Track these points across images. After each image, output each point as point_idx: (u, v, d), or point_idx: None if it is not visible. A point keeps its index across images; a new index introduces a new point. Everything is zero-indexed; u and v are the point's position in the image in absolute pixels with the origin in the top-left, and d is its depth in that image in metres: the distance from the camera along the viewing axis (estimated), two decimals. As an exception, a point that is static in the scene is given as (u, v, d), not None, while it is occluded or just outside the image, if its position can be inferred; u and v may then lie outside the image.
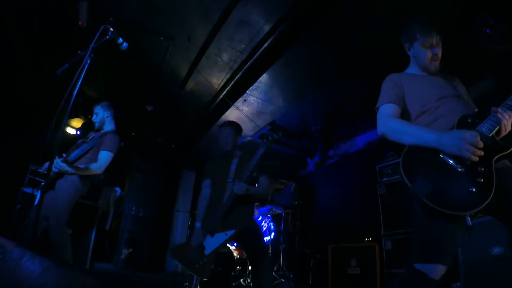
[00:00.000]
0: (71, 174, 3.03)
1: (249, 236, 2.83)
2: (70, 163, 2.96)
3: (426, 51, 1.83)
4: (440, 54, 1.83)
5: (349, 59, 4.51)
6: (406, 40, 1.93)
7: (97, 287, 1.31)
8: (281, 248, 5.98)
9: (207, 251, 2.69)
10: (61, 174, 3.05)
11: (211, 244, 2.71)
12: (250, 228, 2.84)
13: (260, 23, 4.10)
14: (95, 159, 3.18)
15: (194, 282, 2.99)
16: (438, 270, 1.40)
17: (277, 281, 5.44)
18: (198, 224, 2.92)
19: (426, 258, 1.43)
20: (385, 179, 4.79)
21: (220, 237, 2.69)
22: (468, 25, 3.50)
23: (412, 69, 1.96)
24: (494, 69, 3.96)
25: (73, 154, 3.17)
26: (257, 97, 5.50)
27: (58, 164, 2.97)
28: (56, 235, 2.90)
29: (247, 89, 5.27)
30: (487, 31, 3.42)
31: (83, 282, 1.32)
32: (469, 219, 1.37)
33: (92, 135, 3.40)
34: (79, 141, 3.40)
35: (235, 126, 3.25)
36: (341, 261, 4.78)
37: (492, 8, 3.39)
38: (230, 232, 2.66)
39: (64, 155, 2.99)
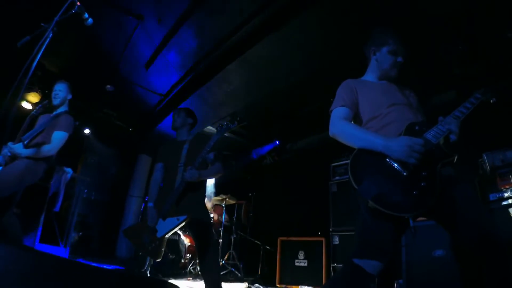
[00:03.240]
0: (23, 157, 2.92)
1: (198, 226, 2.86)
2: (25, 146, 2.88)
3: (391, 58, 1.91)
4: (401, 64, 1.94)
5: (312, 64, 4.67)
6: (374, 44, 1.99)
7: (42, 266, 1.30)
8: (232, 238, 6.06)
9: (159, 234, 2.73)
10: (14, 156, 2.93)
11: (163, 228, 2.75)
12: (200, 218, 2.87)
13: (232, 15, 4.11)
14: (47, 141, 3.05)
15: (147, 263, 3.00)
16: (375, 266, 1.49)
17: (226, 270, 5.53)
18: (150, 204, 2.95)
19: (365, 254, 1.52)
20: (337, 177, 5.01)
21: (172, 221, 2.73)
22: (438, 42, 3.74)
23: (369, 76, 2.03)
24: (454, 84, 4.28)
25: (27, 135, 3.02)
26: (220, 87, 5.49)
27: (10, 147, 2.90)
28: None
29: (212, 78, 5.26)
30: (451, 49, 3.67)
31: (26, 260, 1.30)
32: (411, 220, 1.48)
33: (44, 117, 3.26)
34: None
35: (189, 111, 3.27)
36: (289, 253, 4.96)
37: (459, 30, 3.64)
38: (182, 218, 2.70)
39: (23, 138, 2.89)
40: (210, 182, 7.51)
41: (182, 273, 5.16)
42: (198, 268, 5.11)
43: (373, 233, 1.55)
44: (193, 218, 2.76)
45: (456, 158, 1.54)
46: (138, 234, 2.85)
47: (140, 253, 2.90)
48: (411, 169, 1.49)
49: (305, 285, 4.58)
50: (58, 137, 3.05)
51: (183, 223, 2.72)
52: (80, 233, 5.99)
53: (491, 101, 1.78)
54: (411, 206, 1.44)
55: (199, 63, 5.13)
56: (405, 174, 1.49)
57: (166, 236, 2.74)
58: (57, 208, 4.16)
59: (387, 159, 1.54)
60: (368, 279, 1.50)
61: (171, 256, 5.24)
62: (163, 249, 2.73)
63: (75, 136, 3.33)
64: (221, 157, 3.15)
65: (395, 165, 1.52)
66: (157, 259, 2.74)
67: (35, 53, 2.09)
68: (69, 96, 3.37)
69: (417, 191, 1.44)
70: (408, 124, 1.67)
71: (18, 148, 2.90)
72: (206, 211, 3.02)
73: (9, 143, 2.93)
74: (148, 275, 2.96)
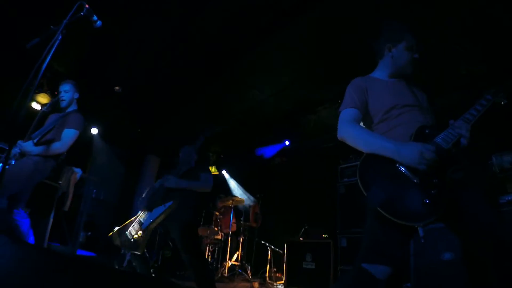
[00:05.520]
0: (34, 155, 2.96)
1: (184, 229, 2.88)
2: (34, 144, 2.93)
3: (409, 54, 1.86)
4: (417, 60, 1.88)
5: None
6: (390, 40, 1.92)
7: (49, 263, 1.32)
8: (240, 240, 6.07)
9: (143, 226, 2.76)
10: (24, 154, 2.97)
11: (148, 218, 2.78)
12: (187, 219, 2.90)
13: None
14: (57, 139, 3.09)
15: (127, 258, 3.01)
16: (385, 272, 1.45)
17: (234, 272, 5.54)
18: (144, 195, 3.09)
19: (374, 259, 1.48)
20: (345, 179, 4.97)
21: (158, 209, 2.77)
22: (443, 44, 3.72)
23: (379, 73, 1.97)
24: (461, 84, 4.24)
25: (36, 133, 3.07)
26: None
27: (20, 145, 2.94)
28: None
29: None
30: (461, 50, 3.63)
31: (36, 258, 1.32)
32: (421, 229, 1.42)
33: (54, 116, 3.30)
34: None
35: (194, 146, 3.32)
36: (297, 256, 4.93)
37: (466, 30, 3.61)
38: (168, 203, 2.73)
39: (33, 136, 2.95)
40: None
41: (189, 274, 5.16)
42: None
43: (381, 239, 1.50)
44: (177, 214, 2.79)
45: (466, 163, 1.50)
46: (124, 230, 2.91)
47: (122, 251, 2.96)
48: (422, 176, 1.44)
49: (312, 287, 4.55)
50: (69, 135, 3.09)
51: (170, 210, 2.74)
52: (89, 233, 6.02)
53: (502, 102, 1.74)
54: (422, 215, 1.38)
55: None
56: (415, 181, 1.44)
57: (152, 226, 2.75)
58: (66, 208, 4.21)
59: (397, 165, 1.50)
60: (376, 284, 1.45)
61: (176, 257, 5.25)
62: (145, 242, 2.74)
63: (84, 136, 3.38)
64: (204, 169, 3.16)
65: (406, 171, 1.47)
66: (139, 251, 2.73)
67: (45, 55, 2.12)
68: (76, 95, 3.39)
69: (428, 199, 1.39)
70: (418, 127, 1.63)
71: (28, 146, 2.95)
72: (193, 210, 3.04)
73: (19, 141, 2.97)
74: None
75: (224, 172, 8.35)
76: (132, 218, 2.95)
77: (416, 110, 1.76)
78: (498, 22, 3.44)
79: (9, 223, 2.91)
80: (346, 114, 1.77)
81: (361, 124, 1.83)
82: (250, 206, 6.88)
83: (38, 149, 2.96)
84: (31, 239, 3.04)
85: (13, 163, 2.90)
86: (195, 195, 3.08)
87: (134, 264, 2.99)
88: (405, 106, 1.74)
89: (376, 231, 1.53)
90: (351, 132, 1.70)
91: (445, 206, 1.37)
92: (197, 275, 2.78)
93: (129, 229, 2.86)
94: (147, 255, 3.11)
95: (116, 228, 3.05)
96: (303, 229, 5.50)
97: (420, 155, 1.44)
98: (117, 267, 3.01)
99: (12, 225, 2.92)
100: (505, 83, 1.73)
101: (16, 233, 2.91)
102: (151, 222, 2.73)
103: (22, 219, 2.99)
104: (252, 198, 7.17)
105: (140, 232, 2.74)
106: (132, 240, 2.75)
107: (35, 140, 2.99)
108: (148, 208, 2.83)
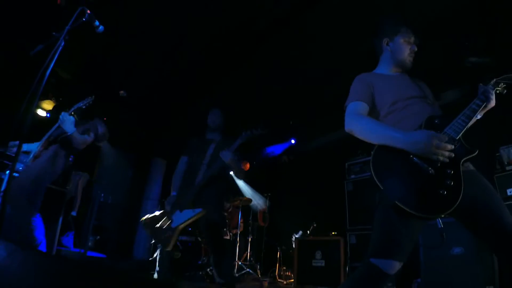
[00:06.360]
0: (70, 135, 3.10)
1: (210, 226, 2.91)
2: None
3: (406, 46, 1.86)
4: (415, 52, 1.89)
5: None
6: (387, 34, 1.93)
7: (61, 271, 1.32)
8: (249, 239, 6.06)
9: (174, 224, 2.81)
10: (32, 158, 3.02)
11: (178, 218, 2.82)
12: (214, 217, 2.91)
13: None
14: None
15: (158, 250, 3.06)
16: (394, 266, 1.43)
17: (243, 271, 5.53)
18: (174, 193, 3.06)
19: (383, 253, 1.45)
20: (352, 176, 4.95)
21: (188, 213, 2.80)
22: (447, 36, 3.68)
23: (381, 69, 1.97)
24: (466, 79, 4.18)
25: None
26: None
27: (66, 117, 3.07)
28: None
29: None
30: (466, 43, 3.59)
31: (47, 265, 1.32)
32: (439, 221, 1.39)
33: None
34: None
35: (224, 114, 3.40)
36: (306, 254, 4.91)
37: (473, 21, 3.57)
38: (197, 210, 2.76)
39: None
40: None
41: (199, 275, 5.17)
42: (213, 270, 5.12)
43: (394, 233, 1.47)
44: (207, 216, 2.81)
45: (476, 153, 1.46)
46: (154, 224, 2.94)
47: (153, 241, 3.04)
48: (437, 166, 1.41)
49: (322, 285, 4.53)
50: (83, 137, 3.24)
51: (198, 216, 2.77)
52: (98, 236, 6.06)
53: (504, 92, 1.73)
54: (440, 206, 1.35)
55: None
56: (431, 172, 1.41)
57: (180, 227, 2.79)
58: (74, 213, 4.24)
59: (411, 156, 1.46)
60: (385, 279, 1.44)
61: (187, 259, 5.26)
62: (175, 240, 2.81)
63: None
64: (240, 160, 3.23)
65: (420, 162, 1.44)
66: (168, 248, 2.80)
67: (48, 61, 2.13)
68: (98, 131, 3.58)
69: (445, 190, 1.36)
70: (427, 117, 1.60)
71: (72, 119, 3.11)
72: (221, 212, 3.06)
73: (63, 113, 3.10)
74: (158, 268, 3.01)
75: (231, 172, 8.33)
76: (164, 211, 2.99)
77: (423, 101, 1.74)
78: (501, 14, 3.40)
79: (23, 229, 2.93)
80: (353, 107, 1.76)
81: None
82: (260, 205, 6.87)
83: (74, 129, 3.08)
84: (43, 245, 3.07)
85: (20, 169, 2.94)
86: (223, 190, 3.16)
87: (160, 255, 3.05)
88: (411, 97, 1.73)
89: (389, 225, 1.49)
90: (358, 124, 1.68)
91: (460, 198, 1.34)
92: (219, 268, 2.85)
93: (160, 223, 2.91)
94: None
95: (148, 216, 3.09)
96: (312, 227, 5.49)
97: (428, 145, 1.41)
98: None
99: (27, 230, 2.94)
100: (506, 73, 1.72)
101: (29, 239, 2.93)
102: (180, 224, 2.78)
103: (37, 224, 3.02)
104: (263, 199, 7.14)
105: (170, 232, 2.80)
106: (162, 237, 2.82)
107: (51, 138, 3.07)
108: (180, 208, 2.86)
